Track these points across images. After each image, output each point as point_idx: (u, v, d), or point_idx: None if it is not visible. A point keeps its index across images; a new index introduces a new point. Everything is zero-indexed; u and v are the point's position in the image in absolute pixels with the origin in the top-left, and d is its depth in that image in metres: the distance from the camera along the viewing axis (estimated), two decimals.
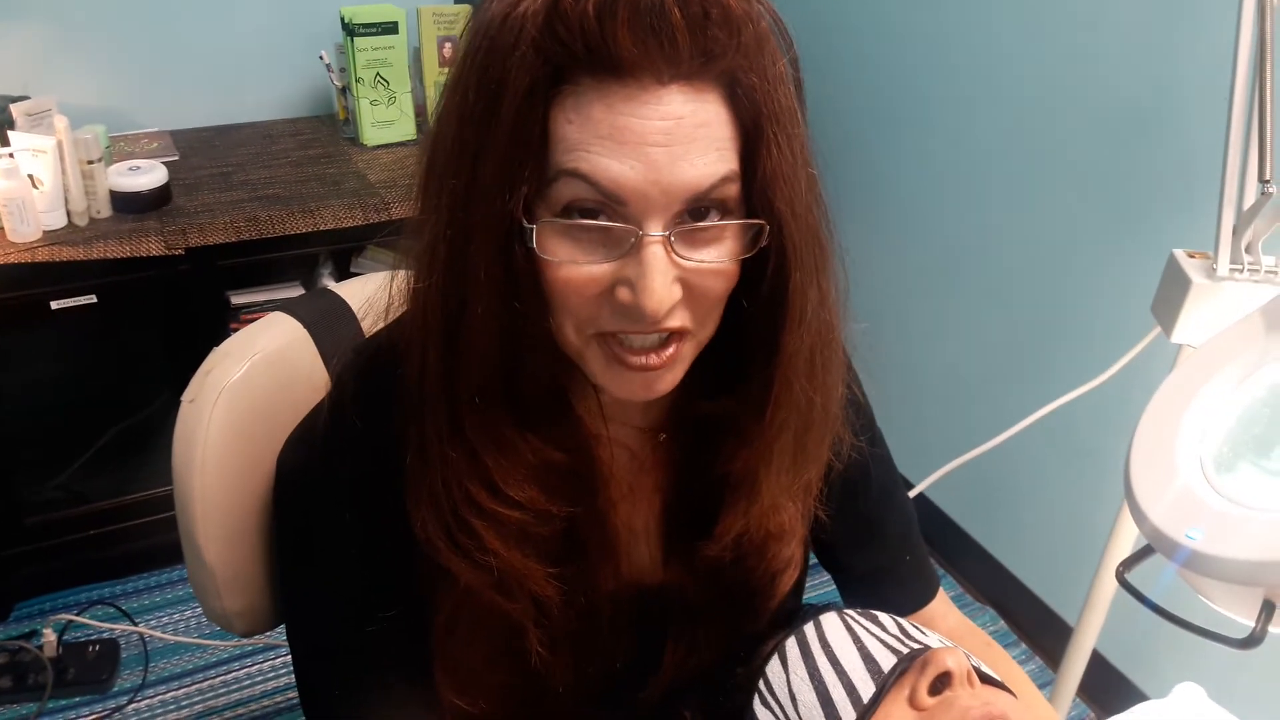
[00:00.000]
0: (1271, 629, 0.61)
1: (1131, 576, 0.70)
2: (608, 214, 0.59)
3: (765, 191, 0.62)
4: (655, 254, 0.59)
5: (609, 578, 0.76)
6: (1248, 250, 1.14)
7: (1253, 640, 0.61)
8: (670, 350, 0.64)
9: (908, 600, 0.93)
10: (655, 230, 0.59)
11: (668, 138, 0.57)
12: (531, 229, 0.59)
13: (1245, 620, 0.63)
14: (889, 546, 0.93)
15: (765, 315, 0.66)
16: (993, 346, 2.08)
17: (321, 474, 0.77)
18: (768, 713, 0.71)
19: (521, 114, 0.57)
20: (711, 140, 0.59)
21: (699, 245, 0.61)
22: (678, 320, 0.63)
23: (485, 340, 0.62)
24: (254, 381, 0.93)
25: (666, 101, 0.57)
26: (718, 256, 0.62)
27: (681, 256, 0.60)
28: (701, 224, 0.61)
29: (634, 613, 0.79)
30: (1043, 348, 1.95)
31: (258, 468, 0.92)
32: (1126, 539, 1.46)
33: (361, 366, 0.76)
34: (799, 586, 0.88)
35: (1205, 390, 0.70)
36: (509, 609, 0.71)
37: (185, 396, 0.98)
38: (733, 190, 0.61)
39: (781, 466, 0.72)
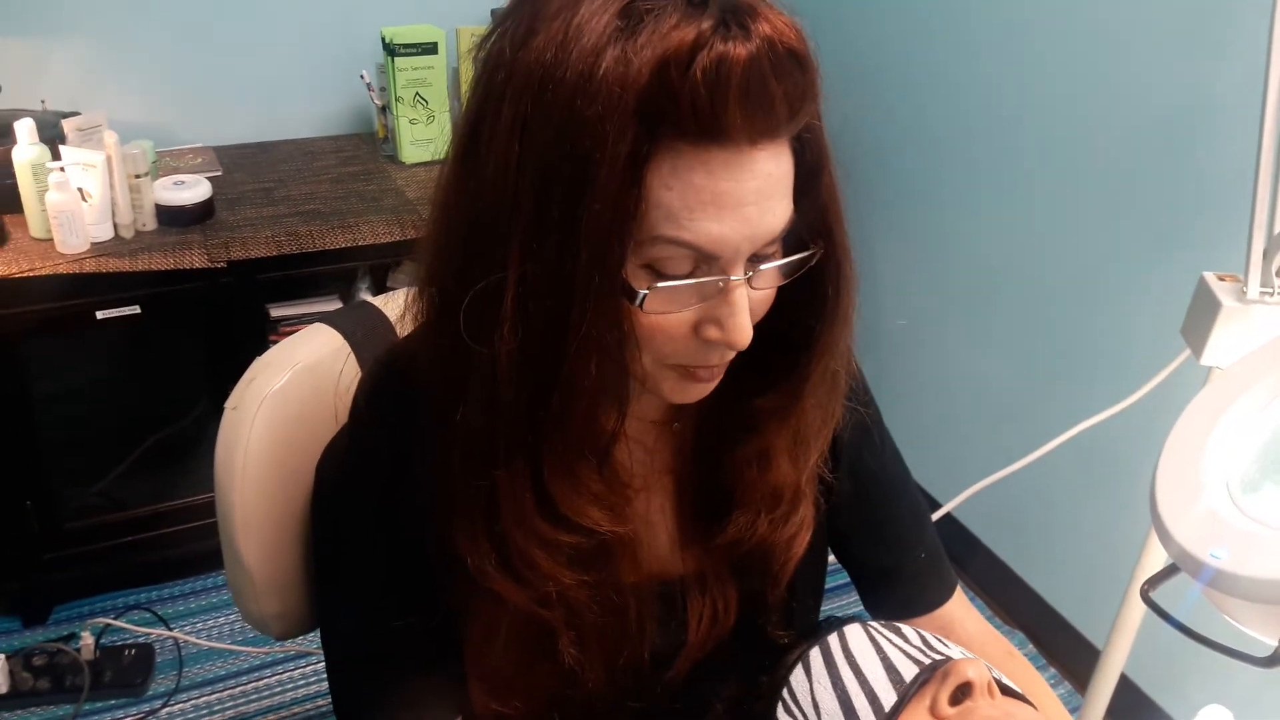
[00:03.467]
0: None
1: (1157, 596, 0.71)
2: (698, 268, 0.63)
3: (825, 217, 0.68)
4: (741, 296, 0.64)
5: (630, 572, 0.78)
6: (1279, 274, 1.14)
7: (1276, 659, 0.61)
8: (728, 359, 0.69)
9: (924, 599, 0.94)
10: (738, 274, 0.63)
11: (759, 195, 0.61)
12: (644, 294, 0.62)
13: (1270, 639, 0.63)
14: (902, 538, 0.94)
15: (811, 314, 0.71)
16: (1023, 367, 2.07)
17: (348, 486, 0.80)
18: None
19: (625, 183, 0.58)
20: (785, 188, 0.64)
21: (766, 276, 0.66)
22: None
23: (586, 388, 0.64)
24: (295, 390, 0.96)
25: (760, 161, 0.60)
26: (776, 281, 0.67)
27: (754, 289, 0.65)
28: (779, 262, 0.66)
29: (657, 602, 0.81)
30: (1073, 369, 1.94)
31: (297, 474, 0.95)
32: (1155, 562, 1.45)
33: (378, 390, 0.79)
34: (813, 554, 0.89)
35: (1231, 411, 0.70)
36: (546, 617, 0.74)
37: (228, 404, 1.00)
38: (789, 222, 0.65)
39: (800, 442, 0.77)
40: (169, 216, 1.85)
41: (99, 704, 1.85)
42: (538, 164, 0.60)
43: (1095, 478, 1.95)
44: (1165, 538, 0.66)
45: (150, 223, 1.84)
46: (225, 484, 0.99)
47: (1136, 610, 1.49)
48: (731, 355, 0.68)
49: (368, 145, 2.35)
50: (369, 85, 2.28)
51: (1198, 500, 0.66)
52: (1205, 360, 1.19)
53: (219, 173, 2.11)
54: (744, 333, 0.64)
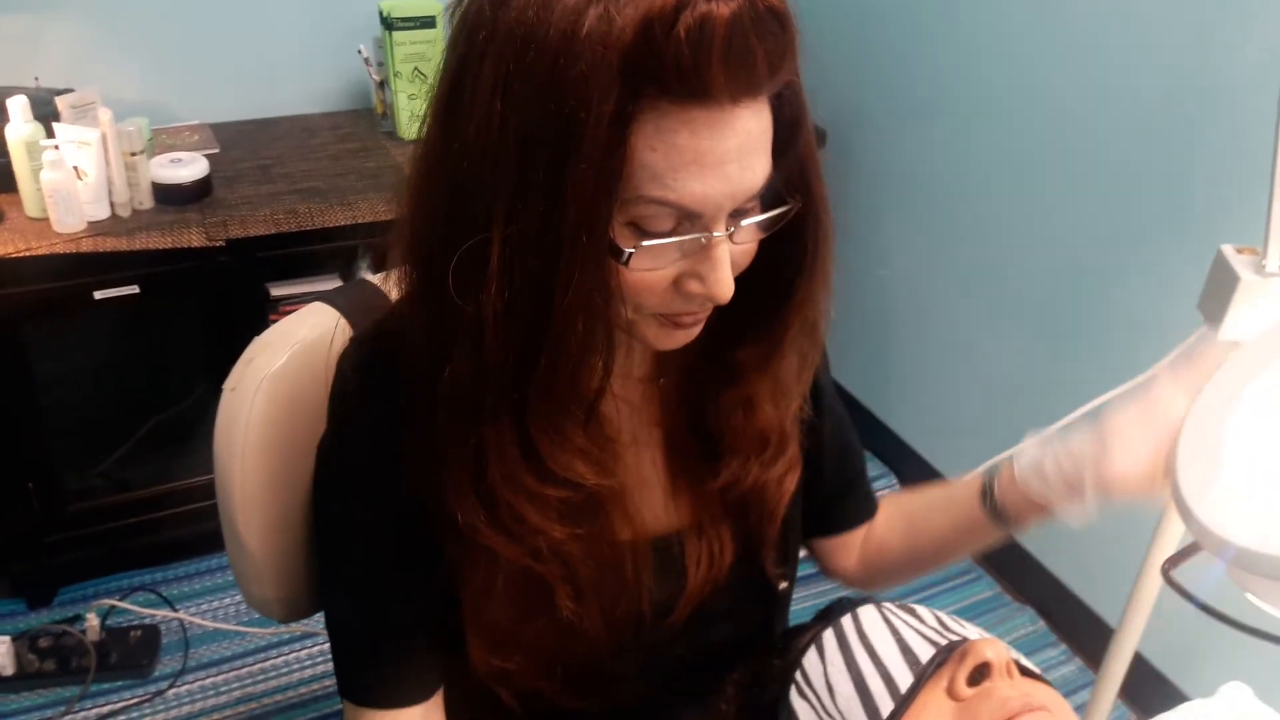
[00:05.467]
0: None
1: (1177, 575, 0.69)
2: (681, 225, 0.64)
3: (803, 172, 0.69)
4: (723, 251, 0.65)
5: (625, 528, 0.80)
6: None
7: None
8: (710, 308, 0.71)
9: (871, 502, 1.02)
10: (720, 230, 0.64)
11: (740, 152, 0.62)
12: (629, 252, 0.63)
13: None
14: (857, 452, 1.01)
15: (790, 268, 0.73)
16: (1034, 343, 2.05)
17: (341, 453, 0.80)
18: (805, 704, 0.70)
19: (610, 143, 0.59)
20: (765, 145, 0.64)
21: (746, 231, 0.67)
22: None
23: (573, 345, 0.65)
24: (294, 370, 0.94)
25: (740, 119, 0.61)
26: (755, 236, 0.69)
27: (735, 244, 0.66)
28: (759, 217, 0.67)
29: (653, 554, 0.83)
30: (1086, 346, 1.92)
31: (298, 455, 0.93)
32: (1171, 538, 1.43)
33: (364, 359, 0.80)
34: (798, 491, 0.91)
35: (1253, 386, 0.69)
36: (540, 571, 0.75)
37: (227, 384, 0.99)
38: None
39: (781, 389, 0.80)
40: (166, 195, 1.83)
41: (105, 685, 1.85)
42: (521, 124, 0.60)
43: None
44: (1187, 515, 0.65)
45: (147, 201, 1.82)
46: (225, 466, 0.98)
47: (1152, 586, 1.47)
48: (712, 305, 0.70)
49: (366, 121, 2.33)
50: (367, 60, 2.25)
51: (1220, 478, 0.65)
52: (1224, 335, 1.17)
53: (216, 150, 2.08)
54: (725, 287, 0.65)
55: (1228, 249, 1.16)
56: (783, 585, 0.92)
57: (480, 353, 0.66)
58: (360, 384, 0.78)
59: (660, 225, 0.63)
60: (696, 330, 0.72)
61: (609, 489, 0.76)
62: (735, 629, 0.91)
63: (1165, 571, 0.67)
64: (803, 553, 1.02)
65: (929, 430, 2.42)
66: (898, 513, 1.01)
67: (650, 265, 0.65)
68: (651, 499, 0.85)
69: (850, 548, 1.02)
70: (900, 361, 2.43)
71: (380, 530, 0.79)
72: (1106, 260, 1.84)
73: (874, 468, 2.49)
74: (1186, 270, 1.30)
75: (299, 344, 0.95)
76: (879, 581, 1.02)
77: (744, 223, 0.66)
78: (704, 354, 0.78)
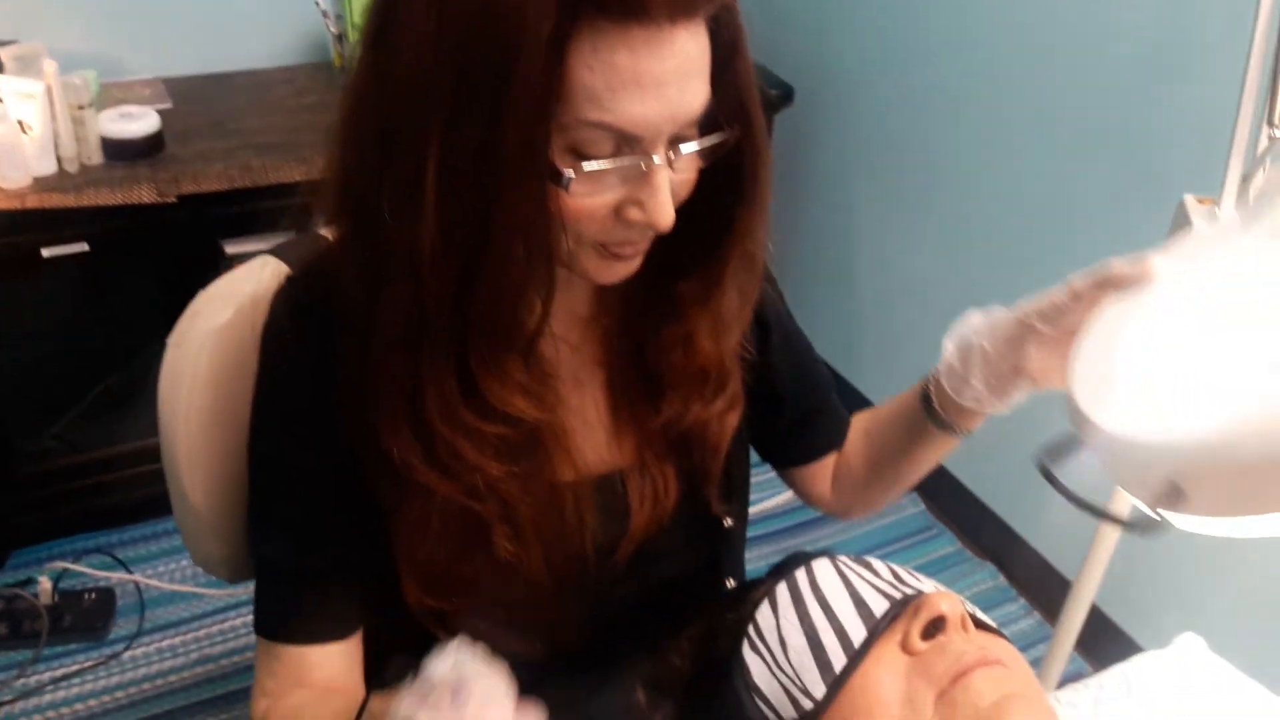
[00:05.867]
0: (1178, 516, 0.60)
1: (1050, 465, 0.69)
2: (620, 150, 0.63)
3: (740, 99, 0.68)
4: (663, 178, 0.64)
5: (567, 469, 0.80)
6: (1257, 199, 1.12)
7: (1152, 525, 0.60)
8: (650, 238, 0.70)
9: (842, 430, 1.01)
10: (659, 156, 0.63)
11: (678, 75, 0.61)
12: (569, 176, 0.62)
13: (1148, 508, 0.61)
14: (823, 380, 1.01)
15: (729, 199, 0.73)
16: (1008, 298, 2.05)
17: (274, 393, 0.80)
18: (757, 658, 0.69)
19: (548, 64, 0.58)
20: (703, 68, 0.64)
21: (686, 159, 0.67)
22: None
23: (513, 277, 0.65)
24: (240, 326, 0.92)
25: (679, 40, 0.60)
26: (694, 165, 0.69)
27: (674, 172, 0.66)
28: (699, 143, 0.66)
29: (596, 495, 0.83)
30: None
31: (244, 412, 0.90)
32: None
33: (297, 299, 0.79)
34: (742, 428, 0.91)
35: (1153, 292, 0.68)
36: (477, 509, 0.74)
37: (171, 340, 0.97)
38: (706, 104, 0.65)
39: (721, 324, 0.79)
40: (115, 150, 1.78)
41: (59, 648, 1.83)
42: (456, 47, 0.59)
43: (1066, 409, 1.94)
44: (1070, 403, 0.66)
45: (96, 156, 1.78)
46: (169, 423, 0.96)
47: (1109, 540, 1.49)
48: (652, 235, 0.69)
49: (324, 75, 2.27)
50: (324, 12, 2.19)
51: (1100, 368, 0.65)
52: None
53: (168, 105, 2.03)
54: (666, 213, 0.65)
55: (1190, 198, 1.17)
56: (729, 522, 0.92)
57: (418, 287, 0.65)
58: (293, 324, 0.78)
59: (599, 149, 0.62)
60: (636, 263, 0.72)
61: (549, 427, 0.76)
62: (682, 568, 0.91)
63: (1040, 460, 0.67)
64: (785, 497, 1.01)
65: (898, 390, 2.42)
66: (859, 432, 1.01)
67: (590, 190, 0.64)
68: (594, 439, 0.84)
69: (822, 475, 1.02)
70: (866, 320, 2.42)
71: (313, 470, 0.79)
72: (1075, 213, 1.84)
73: None
74: (1156, 223, 1.30)
75: (245, 298, 0.93)
76: (855, 505, 1.02)
77: (683, 148, 0.65)
78: (644, 290, 0.77)
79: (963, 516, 2.26)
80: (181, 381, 0.94)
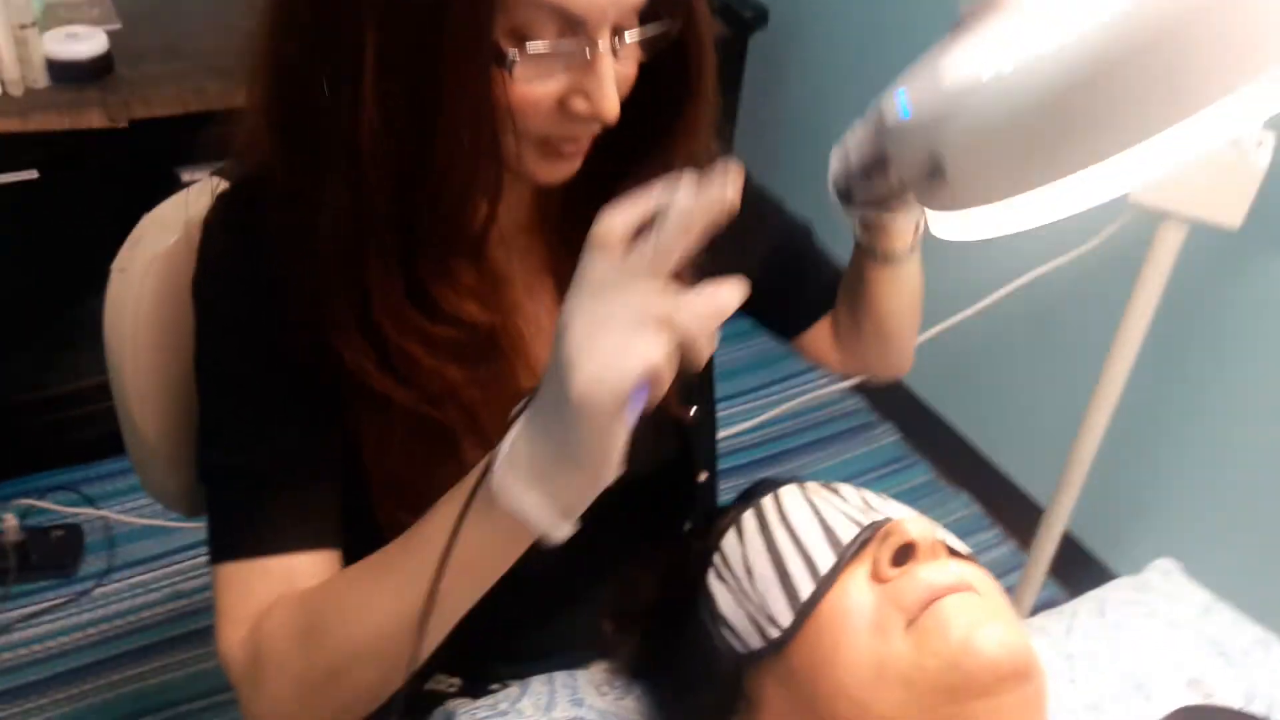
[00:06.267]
0: (942, 217, 0.60)
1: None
2: (565, 34, 0.62)
3: None
4: (607, 66, 0.63)
5: (528, 377, 0.78)
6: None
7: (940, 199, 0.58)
8: (594, 133, 0.69)
9: (820, 300, 1.01)
10: (604, 43, 0.62)
11: None
12: (513, 57, 0.61)
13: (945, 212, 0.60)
14: (795, 261, 1.02)
15: (671, 96, 0.72)
16: None
17: (216, 304, 0.77)
18: (723, 587, 0.67)
19: None
20: None
21: (630, 48, 0.66)
22: None
23: (458, 167, 0.63)
24: (187, 249, 0.87)
25: None
26: (637, 56, 0.68)
27: (619, 61, 0.65)
28: (642, 31, 0.65)
29: None
30: None
31: (192, 340, 0.88)
32: (1100, 419, 1.44)
33: (232, 213, 0.77)
34: None
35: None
36: (440, 419, 0.73)
37: (115, 266, 0.93)
38: None
39: None
40: (62, 72, 1.71)
41: (28, 585, 1.81)
42: None
43: (1039, 334, 1.93)
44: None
45: (41, 80, 1.70)
46: (116, 353, 0.93)
47: (1081, 465, 1.48)
48: (596, 129, 0.68)
49: None
50: None
51: (923, 67, 0.62)
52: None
53: (118, 26, 1.94)
54: (611, 103, 0.64)
55: None
56: (693, 412, 0.90)
57: (358, 181, 0.64)
58: (231, 241, 0.75)
59: (543, 32, 0.61)
60: (577, 162, 0.70)
61: (506, 333, 0.75)
62: (652, 466, 0.88)
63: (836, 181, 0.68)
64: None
65: None
66: (841, 286, 1.01)
67: (534, 76, 0.63)
68: (550, 346, 0.82)
69: (820, 339, 1.02)
70: (842, 253, 2.39)
71: (265, 379, 0.75)
72: None
73: None
74: None
75: (192, 221, 0.88)
76: (855, 361, 1.02)
77: (627, 36, 0.64)
78: (587, 193, 0.74)
79: (934, 444, 2.25)
80: (126, 310, 0.91)
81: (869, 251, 0.86)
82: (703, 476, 0.96)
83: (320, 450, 0.76)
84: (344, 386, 0.72)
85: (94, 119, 1.67)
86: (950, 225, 0.61)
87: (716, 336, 0.53)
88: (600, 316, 0.51)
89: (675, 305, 0.51)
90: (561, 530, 0.57)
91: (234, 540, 0.74)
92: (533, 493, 0.56)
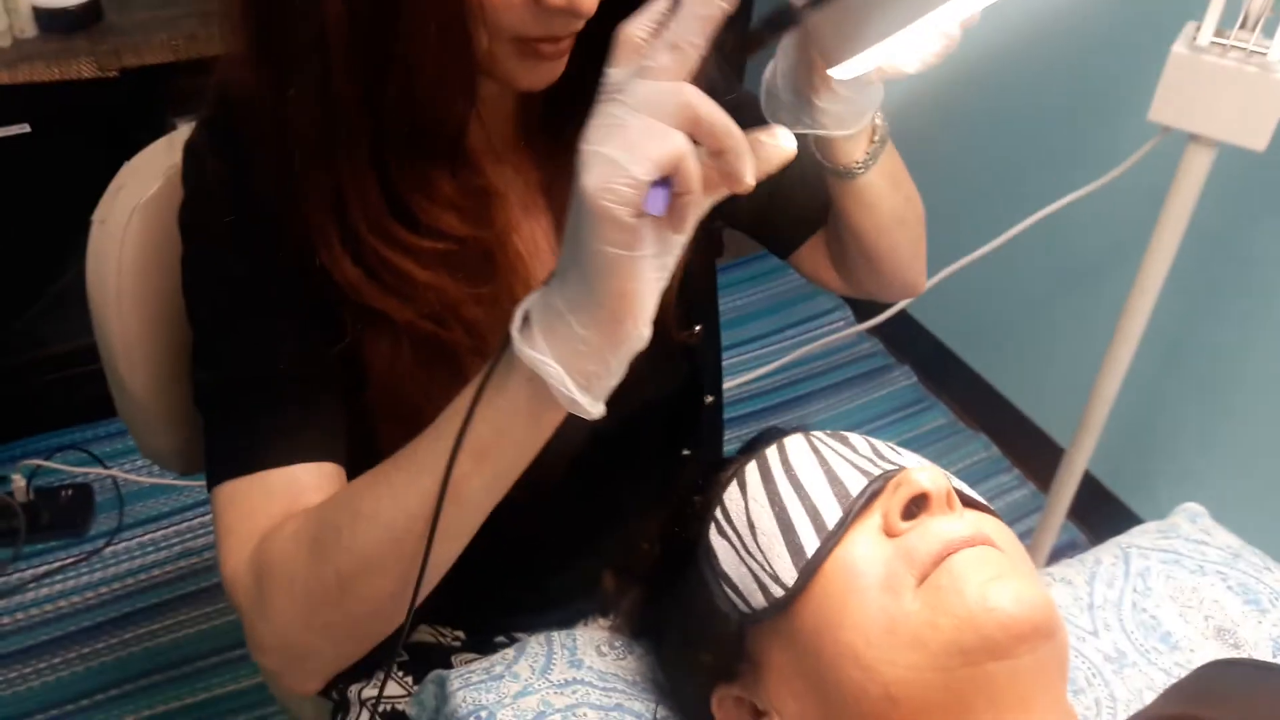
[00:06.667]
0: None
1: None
2: None
3: None
4: None
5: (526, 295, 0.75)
6: (1245, 26, 1.05)
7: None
8: (573, 31, 0.66)
9: (810, 218, 0.96)
10: None
11: None
12: None
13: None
14: (784, 182, 0.96)
15: None
16: (988, 152, 1.97)
17: (203, 222, 0.75)
18: (724, 543, 0.64)
19: None
20: None
21: None
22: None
23: (427, 62, 0.61)
24: (170, 198, 0.85)
25: None
26: None
27: None
28: None
29: None
30: (1043, 154, 1.84)
31: (179, 290, 0.85)
32: (1123, 356, 1.39)
33: (215, 134, 0.75)
34: (701, 246, 0.85)
35: None
36: (444, 337, 0.72)
37: (95, 217, 0.90)
38: None
39: None
40: (49, 21, 1.67)
41: (39, 545, 1.80)
42: None
43: (1058, 271, 1.88)
44: None
45: (29, 29, 1.66)
46: (100, 308, 0.90)
47: (1102, 405, 1.44)
48: (576, 26, 0.64)
49: None
50: None
51: None
52: (1152, 115, 1.14)
53: None
54: None
55: (1192, 25, 1.11)
56: (696, 329, 0.88)
57: (326, 79, 0.62)
58: (216, 162, 0.73)
59: None
60: (559, 64, 0.67)
61: (502, 250, 0.73)
62: (658, 389, 0.87)
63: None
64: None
65: None
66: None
67: None
68: (550, 265, 0.79)
69: (818, 259, 0.99)
70: None
71: (260, 293, 0.72)
72: (1065, 58, 1.74)
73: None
74: (1149, 75, 1.21)
75: (173, 168, 0.86)
76: (852, 283, 0.99)
77: None
78: (572, 106, 0.69)
79: (952, 384, 2.21)
80: (109, 262, 0.88)
81: (830, 171, 0.82)
82: (709, 400, 0.94)
83: (319, 362, 0.72)
84: (347, 310, 0.70)
85: (84, 69, 1.63)
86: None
87: (777, 147, 0.49)
88: (619, 116, 0.46)
89: (699, 96, 0.46)
90: (583, 401, 0.52)
91: (233, 458, 0.71)
92: (552, 346, 0.52)
